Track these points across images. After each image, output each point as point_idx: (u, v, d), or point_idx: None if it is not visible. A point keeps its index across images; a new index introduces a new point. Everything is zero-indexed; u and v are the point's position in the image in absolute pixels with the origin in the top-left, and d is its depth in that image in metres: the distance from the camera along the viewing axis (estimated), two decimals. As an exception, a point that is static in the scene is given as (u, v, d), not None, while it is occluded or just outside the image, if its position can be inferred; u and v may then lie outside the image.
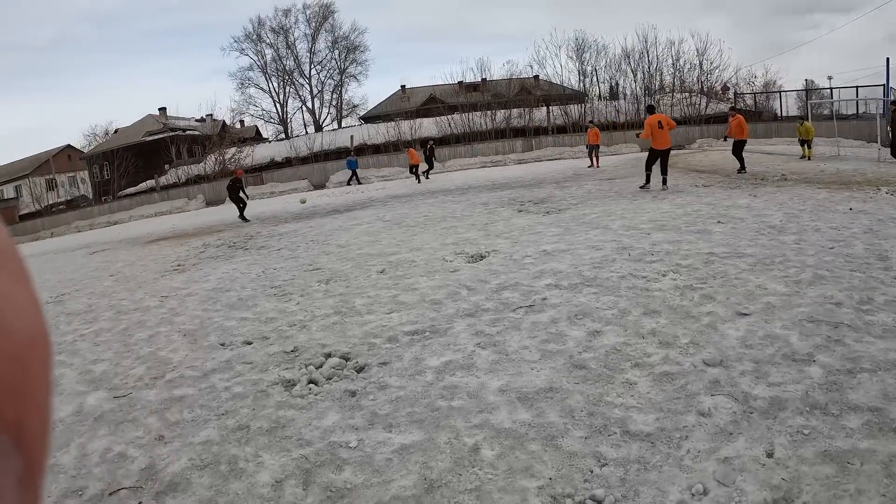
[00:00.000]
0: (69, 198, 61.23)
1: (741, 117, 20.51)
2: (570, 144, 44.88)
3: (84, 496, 4.10)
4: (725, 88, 52.59)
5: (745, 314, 5.91)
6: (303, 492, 3.73)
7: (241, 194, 23.54)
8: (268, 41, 66.41)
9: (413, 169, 34.32)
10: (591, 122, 35.68)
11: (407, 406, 4.69)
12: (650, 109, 18.41)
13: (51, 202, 57.38)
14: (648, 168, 16.96)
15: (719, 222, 10.71)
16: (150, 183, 50.86)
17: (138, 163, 53.61)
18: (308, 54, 67.44)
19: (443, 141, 46.11)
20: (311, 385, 5.32)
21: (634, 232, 10.44)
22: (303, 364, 5.82)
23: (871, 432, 3.69)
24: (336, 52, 68.01)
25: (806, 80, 60.62)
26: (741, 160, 19.94)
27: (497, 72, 59.17)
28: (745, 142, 20.22)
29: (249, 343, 6.79)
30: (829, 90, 48.09)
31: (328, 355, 5.98)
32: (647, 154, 17.18)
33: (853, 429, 3.75)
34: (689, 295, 6.68)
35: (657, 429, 4.01)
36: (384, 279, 8.95)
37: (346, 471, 3.90)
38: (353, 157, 44.07)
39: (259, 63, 67.08)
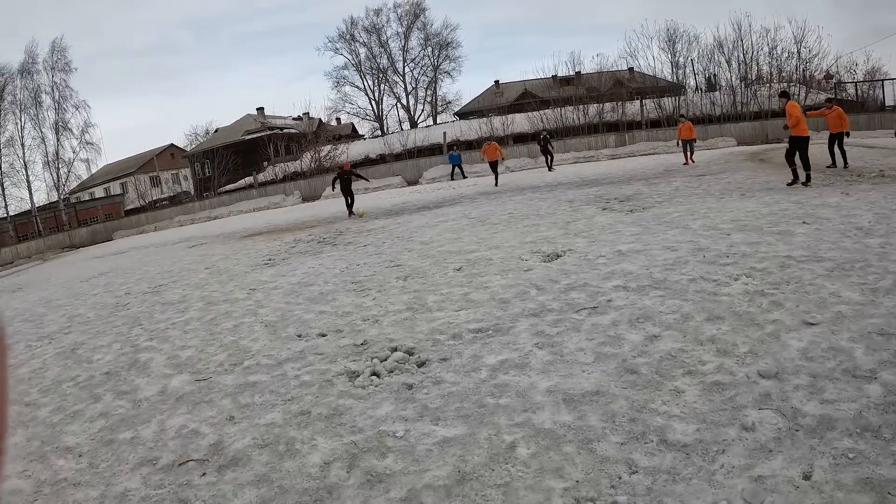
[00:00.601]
0: (172, 194, 63.40)
1: (839, 108, 19.29)
2: (664, 139, 44.06)
3: (157, 465, 4.59)
4: (829, 77, 50.85)
5: (813, 324, 5.67)
6: (346, 474, 3.98)
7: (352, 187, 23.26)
8: (361, 40, 67.71)
9: (493, 166, 29.13)
10: (682, 115, 34.17)
11: (456, 401, 4.86)
12: (784, 95, 16.30)
13: (154, 198, 59.39)
14: (791, 161, 15.41)
15: (804, 223, 10.33)
16: (249, 180, 52.28)
17: (237, 160, 55.20)
18: (401, 52, 68.48)
19: (535, 137, 46.01)
20: (374, 377, 5.56)
21: (714, 232, 10.25)
22: (369, 357, 6.07)
23: None
24: (429, 48, 68.83)
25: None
26: (841, 155, 18.77)
27: (588, 65, 58.62)
28: (843, 135, 18.78)
29: (324, 335, 7.12)
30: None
31: (394, 349, 6.20)
32: (785, 146, 15.62)
33: None
34: (757, 301, 6.49)
35: (695, 440, 3.97)
36: (459, 277, 9.13)
37: (388, 458, 4.12)
38: (455, 151, 44.09)
39: (353, 62, 68.46)
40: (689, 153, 27.59)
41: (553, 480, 3.68)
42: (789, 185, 15.29)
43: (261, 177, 51.84)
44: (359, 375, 5.67)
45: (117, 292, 13.15)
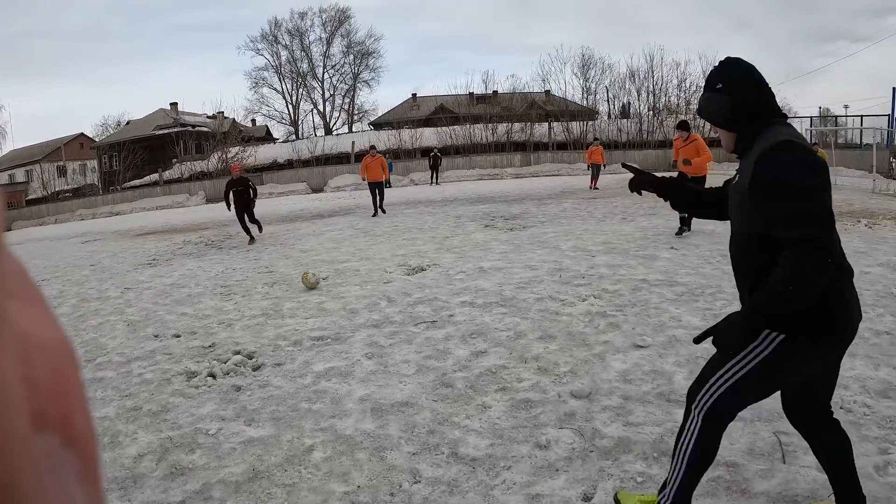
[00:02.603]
0: (77, 186, 61.88)
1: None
2: (568, 161, 45.16)
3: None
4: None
5: (642, 346, 5.91)
6: (155, 466, 4.20)
7: (249, 198, 15.85)
8: (283, 42, 67.19)
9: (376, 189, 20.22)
10: (596, 138, 31.87)
11: (273, 404, 5.10)
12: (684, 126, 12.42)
13: (57, 189, 57.97)
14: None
15: (672, 248, 10.81)
16: (155, 177, 51.46)
17: (145, 156, 54.11)
18: (322, 58, 68.16)
19: (443, 152, 46.45)
20: (210, 378, 5.77)
21: (580, 253, 10.66)
22: (212, 359, 6.27)
23: (714, 489, 3.55)
24: (350, 56, 68.76)
25: (820, 107, 60.79)
26: None
27: (501, 85, 59.48)
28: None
29: (178, 336, 7.32)
30: (835, 118, 48.34)
31: (236, 352, 6.41)
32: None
33: None
34: (596, 322, 6.73)
35: (486, 455, 4.06)
36: (323, 286, 9.38)
37: (196, 453, 4.35)
38: (387, 159, 43.71)
39: (274, 63, 67.88)
40: (595, 177, 27.00)
41: (337, 484, 3.85)
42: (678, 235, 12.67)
43: (167, 174, 51.05)
44: (196, 376, 5.87)
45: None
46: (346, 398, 5.14)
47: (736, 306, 6.68)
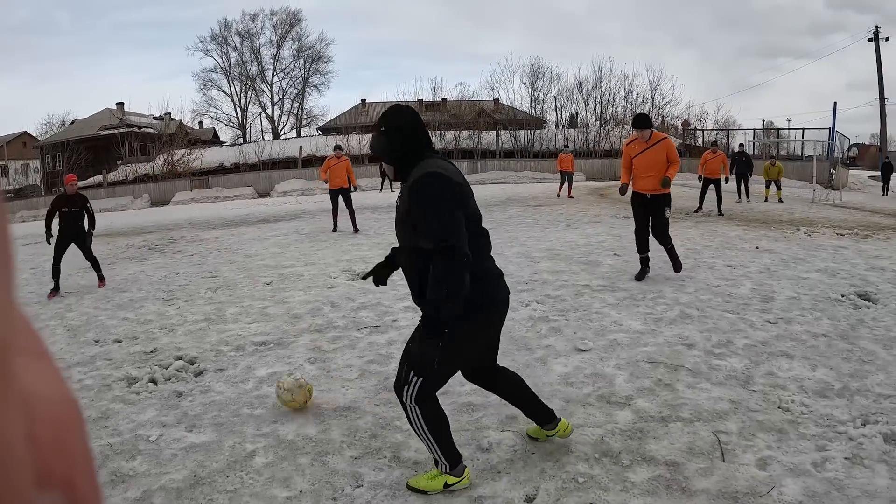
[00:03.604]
0: (18, 186, 60.67)
1: (723, 154, 19.40)
2: (515, 169, 45.60)
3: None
4: (686, 124, 53.73)
5: (584, 350, 6.02)
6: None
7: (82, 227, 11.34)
8: (233, 44, 66.50)
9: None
10: (566, 146, 30.31)
11: (215, 409, 5.10)
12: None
13: (-4, 190, 56.75)
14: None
15: (615, 254, 11.05)
16: (99, 178, 50.64)
17: (90, 156, 53.26)
18: (272, 61, 67.69)
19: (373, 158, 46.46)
20: (151, 384, 5.75)
21: (524, 260, 10.83)
22: (153, 364, 6.23)
23: (654, 488, 3.68)
24: (300, 60, 68.34)
25: (763, 120, 62.03)
26: (717, 200, 18.35)
27: (450, 93, 59.65)
28: (721, 181, 18.49)
29: (119, 341, 7.23)
30: (777, 131, 49.55)
31: (178, 358, 6.38)
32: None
33: (635, 482, 3.75)
34: (538, 327, 6.83)
35: (427, 458, 4.05)
36: (266, 291, 9.38)
37: (136, 460, 4.35)
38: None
39: (223, 65, 67.19)
40: (568, 186, 25.59)
41: (279, 489, 3.88)
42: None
43: (111, 176, 50.26)
44: (137, 381, 5.84)
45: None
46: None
47: (675, 312, 7.05)
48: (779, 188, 23.11)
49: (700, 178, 19.04)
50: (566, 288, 8.50)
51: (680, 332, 6.54)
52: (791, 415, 4.56)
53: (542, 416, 4.17)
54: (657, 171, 8.47)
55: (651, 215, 8.75)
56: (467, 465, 3.90)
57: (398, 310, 7.80)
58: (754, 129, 50.60)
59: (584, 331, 6.65)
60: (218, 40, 66.11)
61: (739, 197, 22.47)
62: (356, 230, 15.99)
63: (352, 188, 16.42)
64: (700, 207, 18.93)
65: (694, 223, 15.58)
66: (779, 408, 4.68)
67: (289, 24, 66.89)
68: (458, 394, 5.11)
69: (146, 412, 5.17)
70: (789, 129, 50.21)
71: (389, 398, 5.10)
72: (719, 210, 18.25)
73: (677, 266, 9.03)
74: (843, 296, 7.83)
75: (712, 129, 52.75)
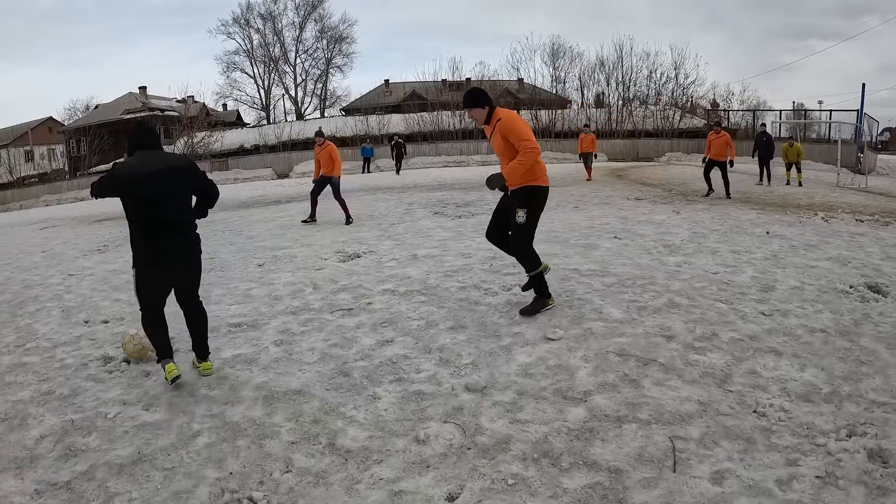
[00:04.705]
0: (43, 171, 61.39)
1: (727, 135, 18.43)
2: (534, 149, 45.60)
3: None
4: (715, 104, 53.29)
5: (553, 339, 5.79)
6: (52, 447, 4.37)
7: None
8: (255, 26, 66.94)
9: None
10: (586, 125, 29.00)
11: (174, 390, 5.21)
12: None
13: (23, 174, 57.53)
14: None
15: (615, 237, 10.87)
16: (121, 161, 51.03)
17: (112, 140, 53.82)
18: (294, 42, 67.99)
19: (409, 138, 46.59)
20: (124, 363, 5.93)
21: None
22: (133, 344, 6.29)
23: (587, 498, 3.46)
24: (323, 41, 68.64)
25: (793, 102, 61.35)
26: (725, 183, 17.77)
27: (469, 73, 59.60)
28: (727, 163, 17.87)
29: (106, 322, 7.41)
30: (804, 112, 49.02)
31: (156, 338, 6.58)
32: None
33: (567, 489, 3.53)
34: (513, 312, 6.65)
35: (361, 447, 4.10)
36: (256, 272, 9.52)
37: (92, 436, 4.51)
38: (368, 144, 44.14)
39: (245, 48, 67.61)
40: (588, 168, 25.11)
41: (211, 470, 3.96)
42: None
43: (133, 159, 50.69)
44: (112, 361, 6.01)
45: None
46: (244, 385, 5.26)
47: (662, 301, 6.83)
48: (799, 171, 22.55)
49: (704, 159, 18.74)
50: (553, 272, 8.08)
51: (662, 322, 6.17)
52: (766, 421, 4.18)
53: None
54: (508, 159, 6.47)
55: (508, 217, 6.70)
56: (398, 456, 3.99)
57: (376, 293, 7.82)
58: (780, 111, 50.01)
59: (559, 318, 6.38)
60: (240, 23, 66.74)
61: (761, 179, 22.18)
62: (349, 221, 14.56)
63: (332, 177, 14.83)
64: (710, 189, 18.31)
65: (707, 206, 15.36)
66: (753, 412, 4.31)
67: (311, 5, 67.36)
68: (410, 381, 5.12)
69: (112, 391, 5.33)
70: (819, 110, 49.71)
71: (342, 383, 5.17)
72: (727, 193, 17.66)
73: (525, 309, 6.78)
74: (851, 287, 7.34)
75: (738, 110, 52.19)
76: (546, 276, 6.78)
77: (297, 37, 68.23)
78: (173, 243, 5.28)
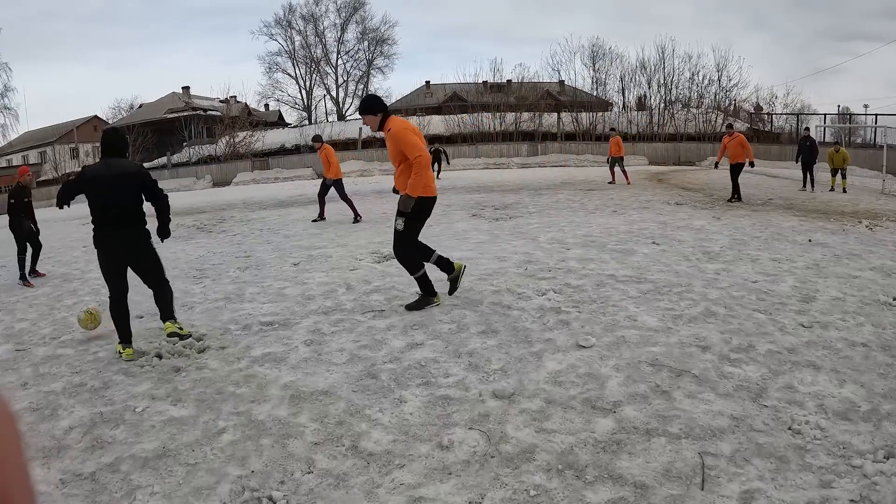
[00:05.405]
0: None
1: (741, 136, 17.86)
2: (576, 152, 45.35)
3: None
4: (759, 108, 52.69)
5: (585, 347, 5.65)
6: (80, 438, 4.42)
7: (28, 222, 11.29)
8: (297, 28, 67.47)
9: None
10: (612, 129, 29.82)
11: (202, 386, 5.24)
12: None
13: (69, 171, 58.34)
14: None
15: (654, 243, 10.67)
16: (163, 160, 51.77)
17: (155, 139, 54.48)
18: (336, 44, 68.40)
19: (450, 140, 46.59)
20: (156, 358, 5.95)
21: (557, 246, 10.61)
22: (164, 340, 6.40)
23: None
24: (364, 43, 69.01)
25: (839, 105, 60.40)
26: (737, 186, 17.59)
27: (509, 74, 59.52)
28: (742, 165, 17.53)
29: (141, 317, 7.49)
30: (849, 117, 48.22)
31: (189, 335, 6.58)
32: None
33: (590, 503, 3.42)
34: (546, 318, 6.52)
35: (384, 451, 4.02)
36: (291, 271, 9.57)
37: (119, 428, 4.54)
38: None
39: (287, 49, 68.16)
40: (615, 171, 24.20)
41: (234, 467, 3.94)
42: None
43: (175, 158, 51.40)
44: (144, 355, 6.03)
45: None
46: (272, 384, 5.24)
47: (699, 309, 6.67)
48: (844, 177, 21.83)
49: (716, 164, 19.20)
50: (589, 277, 8.10)
51: (698, 331, 5.98)
52: (801, 439, 3.96)
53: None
54: (399, 163, 6.90)
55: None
56: (420, 462, 3.92)
57: (409, 295, 7.66)
58: (825, 115, 49.21)
59: (592, 325, 6.24)
60: (282, 24, 67.34)
61: (804, 185, 21.72)
62: (356, 219, 15.28)
63: (329, 181, 15.59)
64: (735, 194, 17.69)
65: (749, 212, 14.97)
66: (788, 429, 4.09)
67: (352, 7, 67.78)
68: (437, 385, 5.04)
69: (142, 385, 5.37)
70: (865, 115, 48.83)
71: (369, 385, 5.11)
72: (732, 194, 17.55)
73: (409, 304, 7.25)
74: (894, 299, 7.01)
75: (782, 113, 51.51)
76: (564, 281, 6.94)
77: (339, 38, 68.71)
78: (123, 233, 6.35)
